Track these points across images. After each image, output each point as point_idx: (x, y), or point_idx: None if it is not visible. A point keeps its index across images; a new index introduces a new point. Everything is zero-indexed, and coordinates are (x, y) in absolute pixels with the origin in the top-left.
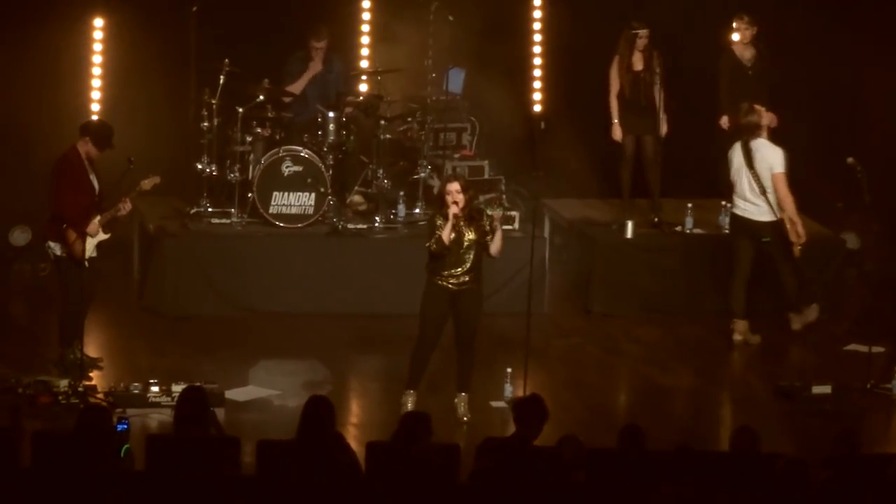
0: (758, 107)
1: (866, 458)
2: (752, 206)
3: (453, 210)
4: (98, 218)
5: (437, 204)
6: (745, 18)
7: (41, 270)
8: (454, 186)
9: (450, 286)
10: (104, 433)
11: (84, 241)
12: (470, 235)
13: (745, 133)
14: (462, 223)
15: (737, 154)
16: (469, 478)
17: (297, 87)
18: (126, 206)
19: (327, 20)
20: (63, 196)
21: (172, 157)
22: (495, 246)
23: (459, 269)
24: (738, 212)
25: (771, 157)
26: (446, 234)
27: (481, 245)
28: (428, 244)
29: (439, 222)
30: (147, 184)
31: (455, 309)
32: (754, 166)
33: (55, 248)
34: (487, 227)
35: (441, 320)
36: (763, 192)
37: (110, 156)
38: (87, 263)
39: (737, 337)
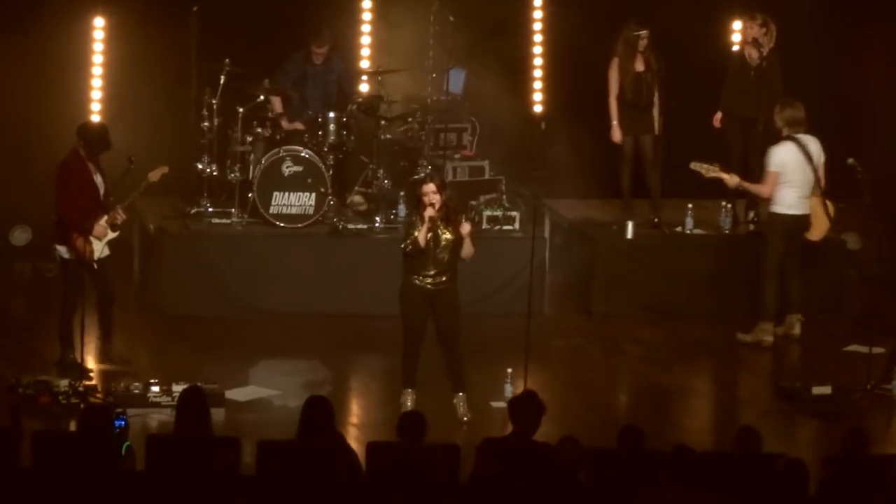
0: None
1: (867, 459)
2: (809, 201)
3: (429, 212)
4: (105, 218)
5: (414, 204)
6: (758, 19)
7: (48, 272)
8: (429, 187)
9: (427, 286)
10: (105, 433)
11: (89, 243)
12: (447, 235)
13: (792, 128)
14: (439, 223)
15: (791, 152)
16: (469, 478)
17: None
18: (120, 216)
19: (328, 20)
20: (66, 200)
21: (173, 157)
22: (465, 250)
23: (435, 270)
24: (795, 212)
25: (819, 148)
26: (422, 237)
27: (458, 245)
28: (403, 245)
29: (416, 224)
30: (155, 174)
31: (433, 309)
32: (813, 161)
33: (62, 251)
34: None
35: (421, 318)
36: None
37: (113, 155)
38: (96, 265)
39: (768, 338)
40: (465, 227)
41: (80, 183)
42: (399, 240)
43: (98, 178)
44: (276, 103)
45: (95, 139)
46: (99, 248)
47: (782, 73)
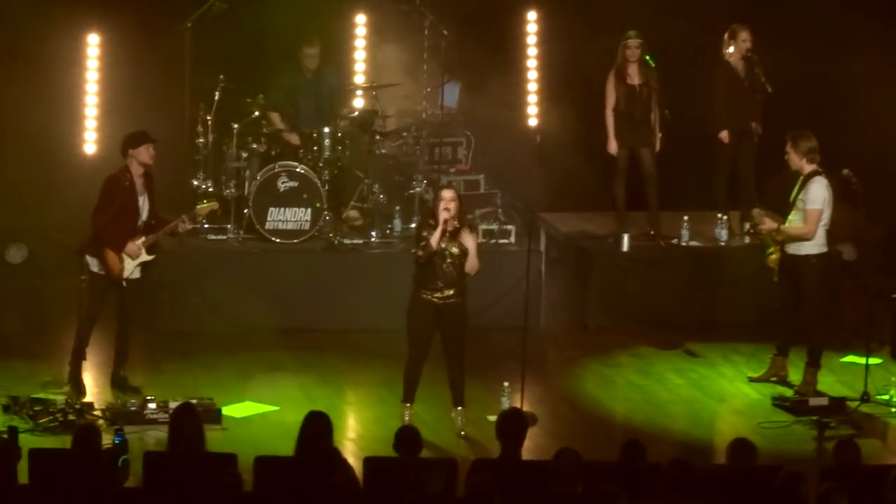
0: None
1: (864, 469)
2: None
3: (443, 215)
4: (142, 240)
5: (427, 214)
6: (743, 31)
7: (81, 282)
8: (448, 193)
9: (435, 300)
10: (97, 451)
11: (121, 261)
12: (453, 249)
13: (811, 158)
14: (446, 238)
15: (827, 187)
16: (465, 492)
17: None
18: (185, 226)
19: (322, 35)
20: (104, 214)
21: (168, 174)
22: (469, 264)
23: (443, 284)
24: (827, 249)
25: None
26: (435, 239)
27: (464, 259)
28: (414, 250)
29: (425, 232)
30: (203, 209)
31: (441, 323)
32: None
33: (92, 263)
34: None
35: (428, 334)
36: None
37: (107, 169)
38: (124, 283)
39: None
40: (468, 239)
41: (123, 200)
42: (395, 254)
43: (142, 200)
44: (276, 119)
45: (135, 137)
46: (130, 268)
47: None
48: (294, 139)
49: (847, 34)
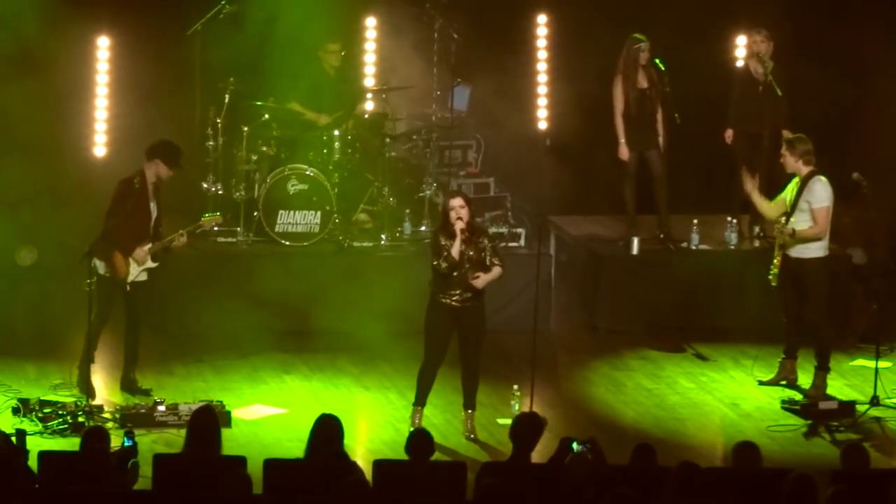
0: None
1: (873, 473)
2: None
3: (459, 225)
4: (149, 246)
5: (441, 221)
6: (763, 33)
7: (87, 285)
8: (457, 202)
9: (453, 303)
10: (106, 453)
11: (127, 264)
12: (471, 253)
13: (808, 160)
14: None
15: (830, 187)
16: (474, 496)
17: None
18: (182, 240)
19: (332, 38)
20: (116, 216)
21: (178, 176)
22: (492, 275)
23: (461, 288)
24: (829, 252)
25: None
26: (455, 250)
27: (480, 264)
28: (436, 263)
29: (444, 241)
30: (207, 222)
31: (459, 325)
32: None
33: (99, 265)
34: (485, 247)
35: (446, 337)
36: None
37: (113, 173)
38: (128, 287)
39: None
40: (478, 283)
41: (134, 206)
42: (405, 257)
43: (153, 205)
44: (296, 106)
45: (172, 153)
46: (135, 272)
47: (787, 86)
48: (323, 119)
49: (860, 35)
